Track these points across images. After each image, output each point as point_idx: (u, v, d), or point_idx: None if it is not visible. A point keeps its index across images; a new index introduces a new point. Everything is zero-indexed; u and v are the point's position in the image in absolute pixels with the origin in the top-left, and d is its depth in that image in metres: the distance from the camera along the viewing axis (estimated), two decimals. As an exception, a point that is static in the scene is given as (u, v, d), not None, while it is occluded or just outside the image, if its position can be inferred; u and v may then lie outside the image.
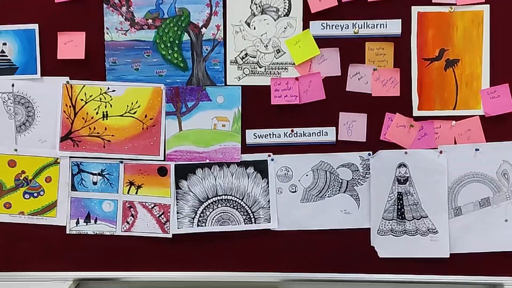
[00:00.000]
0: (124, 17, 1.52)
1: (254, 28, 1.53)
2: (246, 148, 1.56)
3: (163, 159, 1.56)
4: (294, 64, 1.53)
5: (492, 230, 1.54)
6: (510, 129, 1.53)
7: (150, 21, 1.53)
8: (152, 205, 1.57)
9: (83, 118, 1.54)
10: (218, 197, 1.57)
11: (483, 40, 1.51)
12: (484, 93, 1.52)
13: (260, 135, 1.55)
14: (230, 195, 1.57)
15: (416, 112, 1.53)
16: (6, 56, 1.54)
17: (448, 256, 1.54)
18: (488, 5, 1.50)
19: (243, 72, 1.54)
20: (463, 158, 1.53)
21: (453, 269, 1.55)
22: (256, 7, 1.52)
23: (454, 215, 1.54)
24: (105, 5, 1.52)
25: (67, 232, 1.59)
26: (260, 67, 1.54)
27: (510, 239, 1.53)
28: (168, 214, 1.56)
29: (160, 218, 1.57)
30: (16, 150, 1.56)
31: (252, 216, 1.57)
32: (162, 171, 1.56)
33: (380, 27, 1.51)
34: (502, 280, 1.55)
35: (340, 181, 1.56)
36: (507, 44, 1.52)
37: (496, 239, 1.54)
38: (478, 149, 1.53)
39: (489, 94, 1.52)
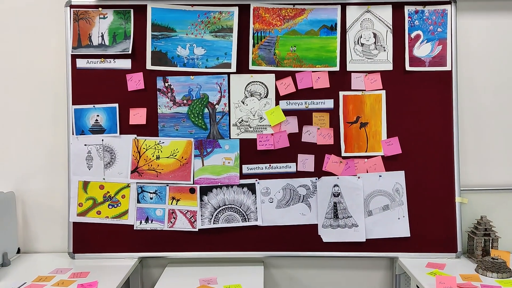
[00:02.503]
0: (169, 99, 2.44)
1: (247, 105, 2.43)
2: (243, 176, 2.39)
3: (192, 183, 2.41)
4: (270, 125, 2.42)
5: (390, 224, 2.36)
6: (399, 164, 2.37)
7: (185, 101, 2.44)
8: (186, 211, 2.43)
9: (145, 159, 2.42)
10: (226, 206, 2.40)
11: (382, 110, 2.37)
12: (384, 142, 2.39)
13: (251, 168, 2.39)
14: (233, 205, 2.40)
15: (343, 154, 2.37)
16: (99, 122, 2.44)
17: (364, 240, 2.36)
18: (384, 91, 2.36)
19: (240, 131, 2.43)
20: (372, 181, 2.38)
21: (368, 248, 2.37)
22: (247, 93, 2.41)
23: (367, 215, 2.39)
24: (158, 92, 2.44)
25: (134, 228, 2.40)
26: (250, 128, 2.42)
27: (401, 230, 2.35)
28: (196, 216, 2.42)
29: (190, 219, 2.42)
30: (104, 179, 2.42)
31: (246, 217, 2.41)
32: (192, 190, 2.43)
33: (321, 104, 2.38)
34: (397, 254, 2.37)
35: (299, 195, 2.41)
36: (396, 113, 2.35)
37: (393, 229, 2.36)
38: (381, 176, 2.40)
39: (386, 142, 2.39)
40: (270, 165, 2.40)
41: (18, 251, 2.49)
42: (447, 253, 2.35)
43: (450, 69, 2.36)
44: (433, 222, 2.36)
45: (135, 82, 2.39)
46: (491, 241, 2.31)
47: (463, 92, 2.43)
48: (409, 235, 2.36)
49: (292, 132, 2.39)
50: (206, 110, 2.40)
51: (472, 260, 2.30)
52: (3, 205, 2.36)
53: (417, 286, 2.13)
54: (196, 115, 2.40)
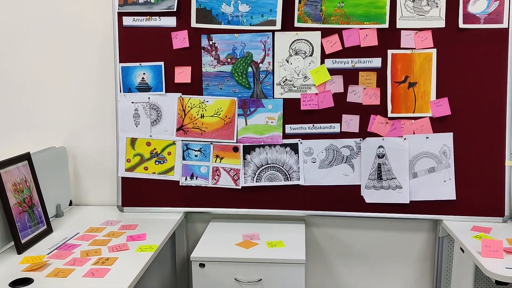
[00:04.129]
0: (213, 57, 2.41)
1: (291, 63, 2.38)
2: (285, 135, 2.38)
3: (236, 142, 2.41)
4: (315, 85, 2.38)
5: (435, 187, 2.31)
6: (448, 125, 2.28)
7: (229, 59, 2.40)
8: (229, 169, 2.43)
9: (190, 118, 2.44)
10: (268, 165, 2.40)
11: (432, 70, 2.27)
12: (432, 103, 2.31)
13: (294, 128, 2.37)
14: (275, 164, 2.40)
15: (389, 114, 2.31)
16: (145, 81, 2.46)
17: (408, 202, 2.32)
18: (435, 49, 2.26)
19: (284, 90, 2.40)
20: (418, 143, 2.31)
21: (411, 210, 2.33)
22: (292, 51, 2.36)
23: (412, 177, 2.33)
24: (202, 51, 2.42)
25: (180, 184, 2.45)
26: (294, 87, 2.38)
27: (446, 192, 2.30)
28: (239, 174, 2.42)
29: (234, 177, 2.43)
30: (151, 136, 2.45)
31: (288, 176, 2.40)
32: (235, 149, 2.44)
33: (368, 63, 2.30)
34: (441, 217, 2.33)
35: (343, 156, 2.38)
36: (446, 73, 2.25)
37: (438, 192, 2.31)
38: (428, 137, 2.33)
39: (435, 103, 2.31)
40: (313, 125, 2.37)
41: (70, 204, 2.61)
42: (494, 217, 2.29)
43: (507, 27, 2.21)
44: (480, 186, 2.28)
45: (180, 40, 2.38)
46: (542, 206, 2.23)
47: (520, 51, 2.29)
48: (455, 198, 2.30)
49: (337, 92, 2.34)
50: (250, 69, 2.37)
51: (521, 225, 2.24)
52: (56, 159, 2.46)
53: (461, 248, 2.09)
54: (240, 74, 2.38)
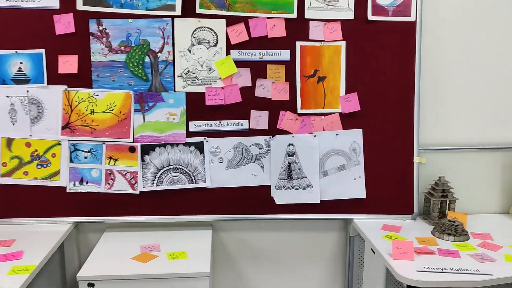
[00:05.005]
0: (104, 45, 2.11)
1: (194, 54, 2.16)
2: (189, 133, 2.15)
3: (132, 141, 2.14)
4: (220, 78, 2.17)
5: (346, 185, 2.22)
6: (357, 122, 2.20)
7: (122, 48, 2.12)
8: (125, 172, 2.16)
9: (77, 114, 2.11)
10: (170, 166, 2.17)
11: (341, 64, 2.17)
12: (341, 99, 2.21)
13: (199, 125, 2.16)
14: (178, 165, 2.17)
15: (299, 110, 2.17)
16: (23, 71, 2.09)
17: (319, 201, 2.21)
18: (344, 42, 2.16)
19: (186, 83, 2.17)
20: (328, 140, 2.20)
21: (322, 210, 2.23)
22: (195, 39, 2.15)
23: (323, 176, 2.23)
24: (91, 37, 2.11)
25: (67, 191, 2.14)
26: (198, 80, 2.16)
27: (357, 191, 2.22)
28: (136, 178, 2.15)
29: (131, 180, 2.16)
30: (31, 135, 2.10)
31: (193, 179, 2.19)
32: (132, 149, 2.16)
33: (276, 55, 2.14)
34: (352, 216, 2.24)
35: (251, 155, 2.21)
36: (355, 67, 2.16)
37: (348, 190, 2.22)
38: (338, 134, 2.23)
39: (345, 99, 2.22)
40: (220, 122, 2.17)
41: None
42: (403, 215, 2.25)
43: (414, 20, 2.16)
44: (390, 183, 2.23)
45: (64, 24, 2.06)
46: (448, 202, 2.23)
47: (427, 46, 2.26)
48: (365, 196, 2.23)
49: (244, 86, 2.16)
50: (147, 59, 2.11)
51: (428, 222, 2.21)
52: None
53: (371, 249, 2.02)
54: (135, 64, 2.11)
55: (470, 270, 1.72)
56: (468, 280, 1.65)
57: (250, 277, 2.41)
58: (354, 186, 2.23)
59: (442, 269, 1.72)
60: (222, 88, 2.15)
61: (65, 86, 2.09)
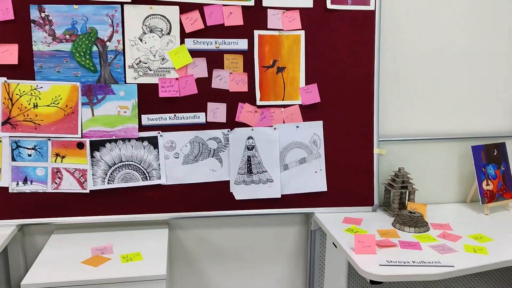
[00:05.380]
0: (47, 33, 1.95)
1: (145, 43, 2.04)
2: (142, 127, 2.03)
3: (80, 136, 2.00)
4: (174, 68, 2.07)
5: (307, 178, 2.17)
6: (318, 113, 2.15)
7: (67, 36, 1.97)
8: (74, 170, 2.02)
9: (19, 108, 1.95)
10: (122, 163, 2.04)
11: (300, 54, 2.12)
12: (301, 90, 2.17)
13: (152, 118, 2.05)
14: (131, 161, 2.04)
15: (258, 102, 2.10)
16: None
17: (280, 196, 2.15)
18: (303, 31, 2.11)
19: (138, 74, 2.04)
20: (289, 132, 2.15)
21: (283, 204, 2.17)
22: (146, 28, 2.02)
23: (283, 169, 2.18)
24: (32, 24, 1.95)
25: (10, 191, 1.98)
26: (150, 70, 2.04)
27: (318, 184, 2.18)
28: (86, 176, 2.02)
29: (80, 179, 2.02)
30: None
31: (147, 176, 2.07)
32: (80, 145, 2.02)
33: (233, 44, 2.06)
34: (313, 210, 2.20)
35: (209, 149, 2.13)
36: (315, 57, 2.11)
37: (309, 184, 2.18)
38: (298, 126, 2.18)
39: (305, 90, 2.17)
40: (175, 115, 2.07)
41: None
42: (364, 207, 2.23)
43: (374, 9, 2.12)
44: (350, 175, 2.20)
45: (2, 11, 1.88)
46: (408, 193, 2.22)
47: (386, 36, 2.23)
48: (326, 189, 2.19)
49: (200, 77, 2.06)
50: (94, 48, 1.97)
51: (389, 213, 2.20)
52: None
53: (333, 243, 1.98)
54: (82, 54, 1.96)
55: (432, 262, 1.71)
56: (430, 272, 1.64)
57: (210, 276, 2.33)
58: (315, 179, 2.18)
59: (405, 262, 1.70)
60: (177, 79, 2.04)
61: (5, 78, 1.92)
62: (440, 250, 1.82)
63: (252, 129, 2.12)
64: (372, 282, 1.65)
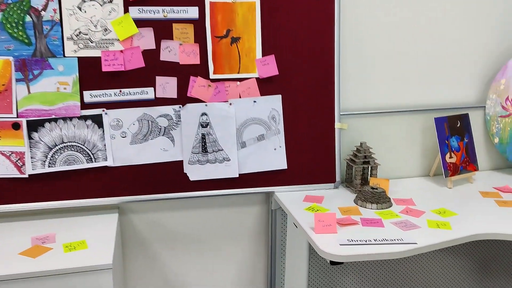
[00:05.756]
0: (-30, 0, 1.77)
1: (85, 12, 1.86)
2: (85, 105, 1.87)
3: (16, 116, 1.82)
4: (118, 40, 1.89)
5: (266, 156, 2.06)
6: (276, 87, 2.03)
7: (-6, 4, 1.80)
8: (10, 153, 1.84)
9: None
10: (64, 144, 1.87)
11: (256, 23, 1.98)
12: (258, 62, 2.03)
13: (95, 95, 1.88)
14: (74, 142, 1.88)
15: (212, 76, 1.97)
16: None
17: (238, 175, 2.04)
18: None
19: (78, 47, 1.87)
20: (246, 108, 2.02)
21: (241, 184, 2.06)
22: (85, -5, 1.87)
23: (241, 147, 2.05)
24: (-48, -9, 1.75)
25: None
26: (91, 42, 1.86)
27: (277, 162, 2.07)
28: (24, 159, 1.85)
29: (17, 162, 1.84)
30: None
31: (92, 157, 1.91)
32: (16, 126, 1.83)
33: (183, 13, 1.90)
34: (273, 189, 2.10)
35: (159, 127, 1.98)
36: (272, 27, 1.98)
37: (268, 162, 2.06)
38: (255, 101, 2.06)
39: (261, 62, 2.03)
40: (120, 91, 1.91)
41: None
42: (326, 184, 2.14)
43: (333, -25, 2.02)
44: (311, 151, 2.11)
45: None
46: (370, 169, 2.15)
47: (346, 7, 2.12)
48: (286, 167, 2.09)
49: (147, 49, 1.90)
50: (28, 18, 1.77)
51: (351, 190, 2.13)
52: None
53: (293, 223, 1.89)
54: (14, 25, 1.77)
55: (394, 239, 1.64)
56: (392, 251, 1.57)
57: (167, 262, 2.21)
58: (275, 157, 2.08)
59: (366, 241, 1.63)
60: (121, 51, 1.87)
61: None
62: (402, 227, 1.75)
63: (206, 105, 1.99)
64: (332, 262, 1.57)
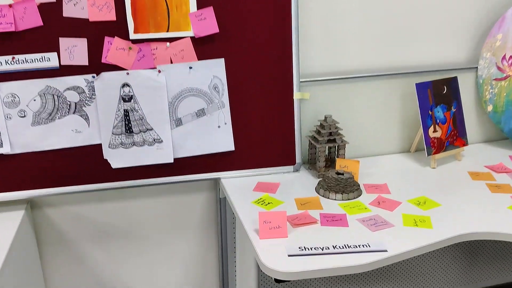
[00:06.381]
0: None
1: (-47, -48, 1.44)
2: (-34, 77, 1.52)
3: None
4: (4, -9, 1.50)
5: (208, 136, 1.67)
6: (217, 48, 1.63)
7: None
8: None
9: None
10: None
11: (188, -34, 1.62)
12: (192, 16, 1.60)
13: (-20, 64, 1.53)
14: (-46, 125, 1.55)
15: (132, 35, 1.54)
16: None
17: (172, 161, 1.67)
18: None
19: (-51, 0, 1.47)
20: (180, 75, 1.61)
21: (178, 170, 1.68)
22: None
23: (175, 126, 1.66)
24: None
25: None
26: (-33, -6, 1.48)
27: (222, 142, 1.69)
28: None
29: None
30: None
31: (-18, 143, 1.58)
32: None
33: (88, -47, 1.53)
34: (219, 175, 1.73)
35: (69, 103, 1.56)
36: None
37: (211, 142, 1.69)
38: (192, 67, 1.66)
39: (197, 16, 1.61)
40: (13, 58, 1.49)
41: None
42: (283, 167, 1.77)
43: None
44: (265, 129, 1.72)
45: None
46: (337, 148, 1.79)
47: None
48: (233, 149, 1.72)
49: (45, 2, 1.47)
50: None
51: (314, 173, 1.77)
52: None
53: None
54: None
55: (359, 245, 1.29)
56: (354, 264, 1.21)
57: (98, 262, 1.85)
58: (219, 136, 1.70)
59: (323, 249, 1.28)
60: (10, 6, 1.44)
61: None
62: (371, 226, 1.41)
63: (128, 73, 1.58)
64: (277, 280, 1.23)
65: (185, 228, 1.91)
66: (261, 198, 1.58)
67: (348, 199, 1.56)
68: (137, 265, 1.91)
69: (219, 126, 1.69)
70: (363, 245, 1.29)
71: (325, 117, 1.74)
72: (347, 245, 1.29)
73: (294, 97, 1.72)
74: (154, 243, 1.90)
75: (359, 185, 1.63)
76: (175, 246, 1.92)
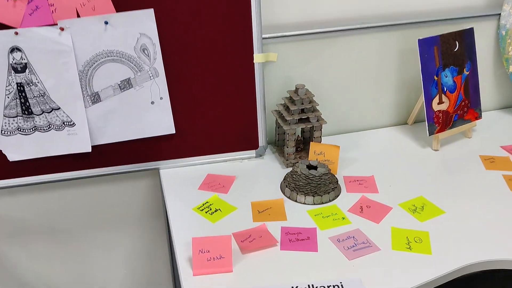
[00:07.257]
0: None
1: None
2: None
3: None
4: None
5: (137, 115, 1.26)
6: (143, -5, 1.25)
7: None
8: None
9: None
10: None
11: None
12: (102, -51, 1.18)
13: None
14: None
15: (17, -22, 1.18)
16: None
17: (90, 149, 1.26)
18: None
19: None
20: (92, 34, 1.16)
21: (99, 162, 1.29)
22: None
23: (91, 103, 1.24)
24: None
25: None
26: None
27: (158, 123, 1.28)
28: None
29: None
30: None
31: None
32: None
33: None
34: (157, 165, 1.34)
35: None
36: None
37: (143, 123, 1.27)
38: (108, 22, 1.21)
39: (109, -51, 1.19)
40: None
41: None
42: (242, 152, 1.39)
43: None
44: (216, 103, 1.30)
45: None
46: (311, 128, 1.39)
47: None
48: (174, 131, 1.32)
49: None
50: None
51: (282, 160, 1.39)
52: None
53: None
54: None
55: (328, 287, 0.94)
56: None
57: (22, 265, 1.52)
58: (154, 115, 1.28)
59: (278, 294, 0.93)
60: None
61: None
62: (348, 249, 1.04)
63: (16, 33, 1.14)
64: None
65: (125, 220, 1.55)
66: (206, 202, 1.20)
67: (322, 203, 1.19)
68: (73, 266, 1.57)
69: (152, 102, 1.27)
70: (333, 286, 0.94)
71: (296, 88, 1.32)
72: (313, 286, 0.94)
73: (254, 60, 1.29)
74: (90, 240, 1.54)
75: (337, 182, 1.24)
76: (114, 242, 1.57)
